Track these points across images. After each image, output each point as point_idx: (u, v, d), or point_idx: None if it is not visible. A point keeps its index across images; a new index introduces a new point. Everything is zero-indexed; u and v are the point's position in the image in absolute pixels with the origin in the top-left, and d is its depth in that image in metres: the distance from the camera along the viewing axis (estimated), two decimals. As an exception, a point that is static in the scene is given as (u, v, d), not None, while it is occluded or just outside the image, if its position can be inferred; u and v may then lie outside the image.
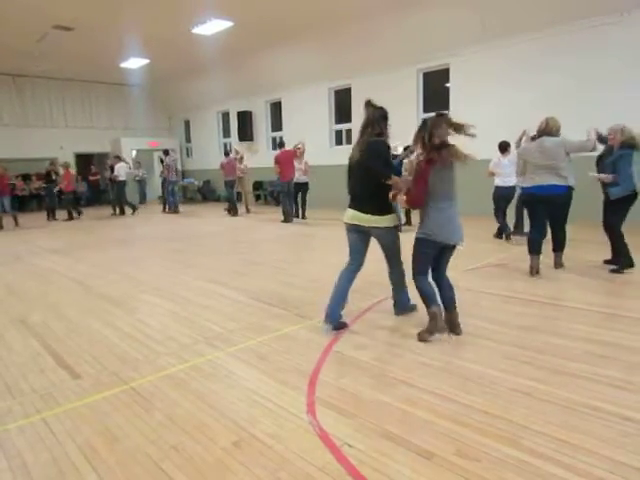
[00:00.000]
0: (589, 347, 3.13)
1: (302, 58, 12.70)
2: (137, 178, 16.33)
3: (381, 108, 3.56)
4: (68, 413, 2.52)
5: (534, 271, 5.04)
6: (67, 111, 16.82)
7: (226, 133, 17.04)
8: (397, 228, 3.64)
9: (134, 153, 17.38)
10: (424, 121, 3.29)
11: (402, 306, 3.91)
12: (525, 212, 5.67)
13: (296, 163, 10.28)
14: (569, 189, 4.89)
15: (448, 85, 10.50)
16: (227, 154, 12.99)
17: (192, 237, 8.92)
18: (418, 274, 3.39)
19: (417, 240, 3.39)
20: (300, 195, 10.70)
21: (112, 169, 13.25)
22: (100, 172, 16.29)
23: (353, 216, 3.57)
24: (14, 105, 15.75)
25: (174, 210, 13.56)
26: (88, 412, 2.53)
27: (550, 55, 8.66)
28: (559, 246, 5.29)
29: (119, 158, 13.63)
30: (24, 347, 3.54)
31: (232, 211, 12.19)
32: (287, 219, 10.36)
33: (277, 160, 10.14)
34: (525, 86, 9.02)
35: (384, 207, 3.50)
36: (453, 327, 3.44)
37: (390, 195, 3.46)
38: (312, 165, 13.00)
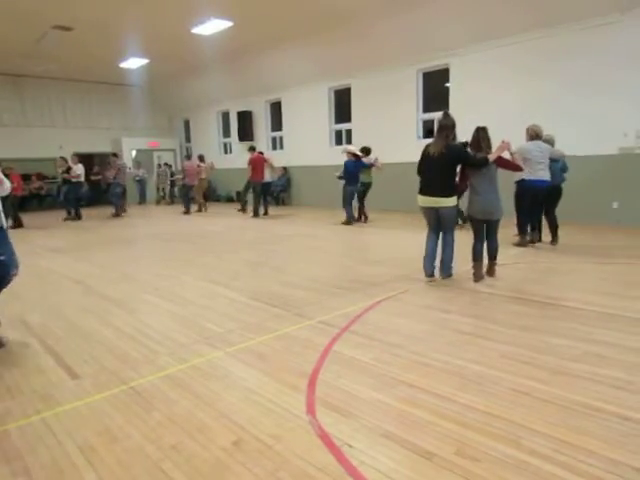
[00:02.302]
0: (589, 347, 3.13)
1: (302, 58, 12.70)
2: (137, 178, 16.36)
3: (453, 118, 4.65)
4: (68, 413, 2.52)
5: (531, 243, 6.53)
6: (67, 111, 16.82)
7: (226, 133, 17.04)
8: (457, 206, 4.87)
9: (134, 153, 17.40)
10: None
11: (447, 269, 4.92)
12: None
13: (267, 168, 11.60)
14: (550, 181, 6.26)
15: (448, 85, 10.50)
16: (189, 157, 13.41)
17: (192, 236, 8.92)
18: (474, 240, 4.91)
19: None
20: (264, 193, 11.84)
21: (69, 169, 12.00)
22: (101, 172, 16.29)
23: (429, 200, 4.72)
24: (14, 105, 15.74)
25: (117, 213, 13.06)
26: (88, 412, 2.52)
27: (550, 55, 8.66)
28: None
29: (77, 157, 12.60)
30: (24, 347, 3.54)
31: (189, 210, 13.13)
32: (257, 214, 11.59)
33: (250, 162, 11.32)
34: (525, 86, 9.02)
35: (453, 191, 4.72)
36: (490, 272, 4.98)
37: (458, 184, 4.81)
38: (312, 165, 13.07)
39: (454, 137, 4.62)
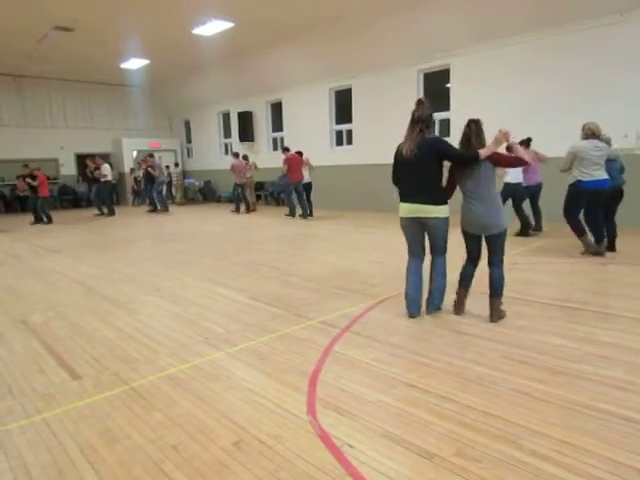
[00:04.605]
0: (589, 348, 3.13)
1: (303, 58, 12.71)
2: (138, 179, 16.36)
3: (429, 107, 3.69)
4: (69, 413, 2.52)
5: (598, 254, 5.89)
6: (67, 111, 16.85)
7: (227, 133, 17.05)
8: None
9: (135, 154, 17.40)
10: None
11: (436, 302, 3.90)
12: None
13: (305, 168, 11.20)
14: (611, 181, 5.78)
15: (449, 86, 10.50)
16: (237, 155, 13.16)
17: (193, 237, 8.92)
18: (465, 260, 3.92)
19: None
20: (305, 194, 11.35)
21: (96, 169, 12.94)
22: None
23: (413, 208, 3.72)
24: (14, 105, 15.78)
25: (162, 209, 13.82)
26: (89, 412, 2.53)
27: (551, 56, 8.66)
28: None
29: (103, 159, 13.56)
30: (25, 347, 3.54)
31: (239, 209, 12.93)
32: (293, 213, 11.23)
33: (286, 162, 10.80)
34: (526, 87, 9.01)
35: (442, 197, 3.71)
36: (492, 313, 3.75)
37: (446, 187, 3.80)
38: (312, 166, 13.04)
39: (431, 132, 3.71)
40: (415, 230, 3.82)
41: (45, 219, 11.90)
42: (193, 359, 3.18)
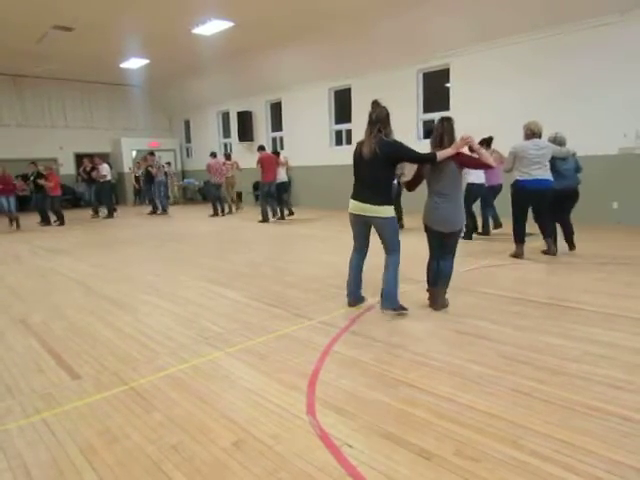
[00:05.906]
0: (589, 347, 3.13)
1: (302, 58, 12.71)
2: (139, 177, 16.35)
3: (385, 107, 3.81)
4: (68, 413, 2.52)
5: (521, 257, 5.84)
6: (67, 111, 16.84)
7: (226, 133, 17.04)
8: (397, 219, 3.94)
9: (134, 153, 17.39)
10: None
11: (388, 300, 3.90)
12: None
13: (279, 168, 10.96)
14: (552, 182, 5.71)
15: (448, 85, 10.50)
16: (215, 155, 13.07)
17: (191, 237, 8.92)
18: (429, 257, 4.07)
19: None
20: (284, 194, 11.19)
21: (92, 170, 12.73)
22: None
23: (358, 206, 3.87)
24: (14, 105, 15.77)
25: (163, 211, 13.66)
26: (88, 412, 2.53)
27: (551, 55, 8.66)
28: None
29: (102, 159, 13.45)
30: (24, 347, 3.54)
31: (224, 210, 12.75)
32: (265, 219, 10.75)
33: (259, 162, 10.64)
34: (525, 86, 9.02)
35: (387, 199, 3.81)
36: (433, 301, 4.00)
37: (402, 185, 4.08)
38: (312, 165, 13.04)
39: (389, 132, 3.78)
40: (360, 226, 3.98)
41: (58, 220, 11.78)
42: (192, 359, 3.18)
